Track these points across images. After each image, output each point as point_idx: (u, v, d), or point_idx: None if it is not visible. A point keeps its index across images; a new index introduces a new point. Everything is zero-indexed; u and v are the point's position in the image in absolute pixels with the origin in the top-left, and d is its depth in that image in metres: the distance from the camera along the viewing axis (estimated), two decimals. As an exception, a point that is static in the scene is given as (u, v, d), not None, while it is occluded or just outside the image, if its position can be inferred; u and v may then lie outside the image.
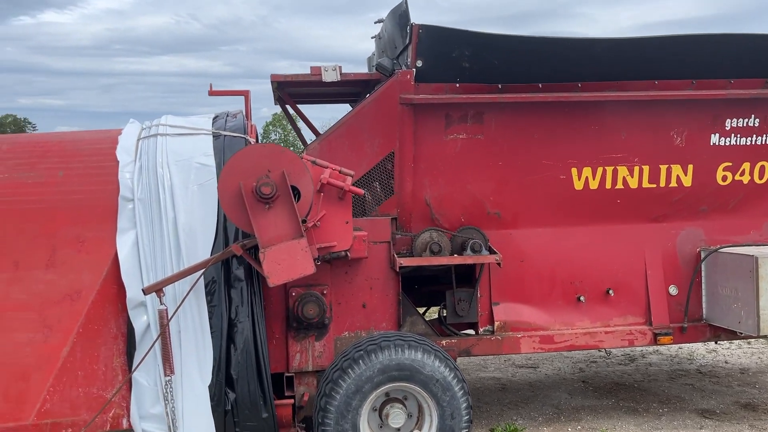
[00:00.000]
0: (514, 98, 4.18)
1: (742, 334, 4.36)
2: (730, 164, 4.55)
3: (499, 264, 4.21)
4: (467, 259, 4.18)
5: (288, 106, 5.19)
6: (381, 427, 3.92)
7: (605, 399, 5.52)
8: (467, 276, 4.52)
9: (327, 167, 3.84)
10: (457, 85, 4.19)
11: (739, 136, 4.52)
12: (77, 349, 3.60)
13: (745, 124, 4.51)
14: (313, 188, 3.07)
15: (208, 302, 3.73)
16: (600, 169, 4.44)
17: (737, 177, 4.59)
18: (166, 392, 3.60)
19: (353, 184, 4.12)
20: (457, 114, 4.23)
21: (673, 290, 4.61)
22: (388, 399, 3.92)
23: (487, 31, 4.09)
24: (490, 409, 5.36)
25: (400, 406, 3.87)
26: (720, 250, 4.49)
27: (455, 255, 4.24)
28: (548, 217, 4.50)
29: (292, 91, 5.01)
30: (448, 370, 3.83)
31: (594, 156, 4.42)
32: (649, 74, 4.34)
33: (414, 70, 4.12)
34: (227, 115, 4.47)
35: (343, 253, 3.92)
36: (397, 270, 4.12)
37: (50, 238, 3.74)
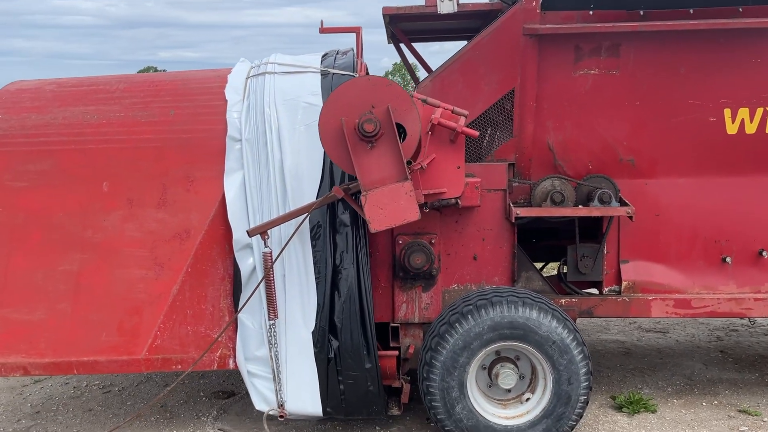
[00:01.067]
0: (660, 26, 3.61)
1: None
2: None
3: (631, 217, 3.73)
4: (594, 210, 3.74)
5: (403, 45, 4.88)
6: (490, 386, 3.67)
7: (747, 373, 4.92)
8: (592, 230, 4.09)
9: (439, 106, 3.53)
10: (591, 12, 3.67)
11: None
12: (186, 288, 3.63)
13: None
14: (420, 127, 2.78)
15: (313, 247, 3.61)
16: (760, 111, 3.78)
17: None
18: (270, 336, 3.55)
19: (468, 126, 3.80)
20: (589, 46, 3.73)
21: (843, 255, 3.91)
22: (499, 358, 3.66)
23: (629, -53, 3.52)
24: (612, 374, 4.94)
25: (512, 366, 3.60)
26: None
27: (580, 206, 3.80)
28: (692, 166, 3.92)
29: (405, 27, 4.69)
30: (566, 331, 3.48)
31: (753, 94, 3.76)
32: (833, -6, 3.58)
33: (540, -5, 3.65)
34: (337, 53, 4.26)
35: (453, 200, 3.63)
36: (513, 221, 3.77)
37: (161, 177, 3.75)
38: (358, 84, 2.90)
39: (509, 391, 3.66)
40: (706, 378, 4.83)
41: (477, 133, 3.55)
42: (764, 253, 3.93)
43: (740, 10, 3.62)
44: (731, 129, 3.82)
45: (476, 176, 3.82)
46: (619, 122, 3.85)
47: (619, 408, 4.27)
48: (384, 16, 4.28)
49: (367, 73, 4.40)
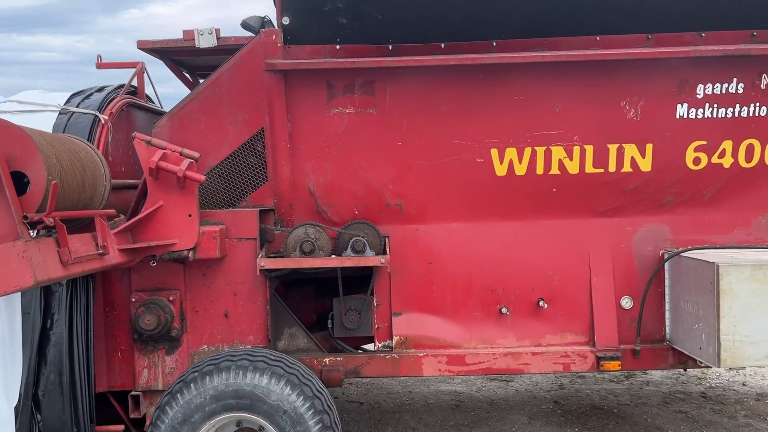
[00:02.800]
0: (407, 62, 3.35)
1: (702, 363, 3.38)
2: (705, 143, 3.53)
3: (386, 268, 3.41)
4: (345, 261, 3.41)
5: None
6: (230, 462, 3.24)
7: (568, 427, 4.61)
8: (367, 280, 3.75)
9: (165, 148, 3.18)
10: (338, 47, 3.40)
11: (716, 106, 3.49)
12: None
13: (723, 91, 3.47)
14: (46, 175, 2.42)
15: (22, 308, 3.17)
16: (528, 150, 3.54)
17: (715, 159, 3.56)
18: (-42, 414, 3.06)
19: (215, 168, 3.47)
20: (342, 83, 3.45)
21: (626, 303, 3.66)
22: (241, 429, 3.24)
23: (364, -23, 3.27)
24: (425, 434, 4.57)
25: (249, 439, 3.18)
26: (683, 254, 3.49)
27: (333, 256, 3.47)
28: (463, 210, 3.65)
29: (188, 62, 4.36)
30: (301, 399, 3.10)
31: (520, 134, 3.52)
32: (588, 28, 3.39)
33: (280, 28, 3.37)
34: (94, 90, 3.90)
35: (186, 252, 3.26)
36: (258, 272, 3.40)
37: None
38: (-34, 126, 2.52)
39: (251, 467, 3.23)
40: (522, 435, 4.50)
41: (203, 178, 3.20)
42: (543, 303, 3.65)
43: (494, 44, 3.40)
44: (500, 170, 3.56)
45: (224, 224, 3.47)
46: (382, 164, 3.56)
47: (404, 476, 3.89)
48: (141, 49, 3.93)
49: (147, 108, 4.06)
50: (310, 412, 3.10)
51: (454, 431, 4.60)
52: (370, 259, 3.40)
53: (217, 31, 3.75)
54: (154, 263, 3.28)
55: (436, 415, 4.94)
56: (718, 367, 3.12)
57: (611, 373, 5.84)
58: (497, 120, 3.50)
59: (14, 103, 3.68)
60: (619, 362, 3.56)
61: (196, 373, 3.13)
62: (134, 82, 4.20)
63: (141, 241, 3.21)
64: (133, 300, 3.41)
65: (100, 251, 2.76)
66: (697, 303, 3.29)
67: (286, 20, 3.34)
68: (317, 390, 3.19)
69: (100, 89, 3.96)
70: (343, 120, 3.49)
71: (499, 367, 3.61)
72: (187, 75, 4.50)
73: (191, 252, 3.28)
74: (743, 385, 5.49)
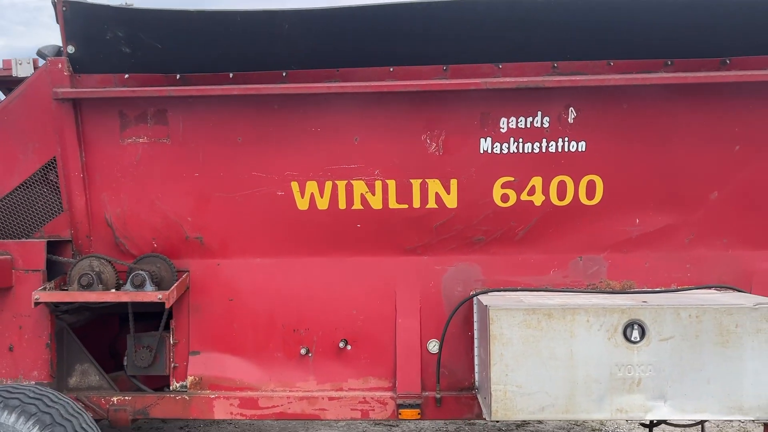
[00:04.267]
0: (190, 91, 3.27)
1: (484, 415, 3.14)
2: (512, 179, 3.36)
3: (163, 304, 3.28)
4: (122, 296, 3.29)
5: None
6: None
7: (420, 477, 4.35)
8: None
9: (-64, 177, 3.13)
10: (126, 76, 3.34)
11: (521, 140, 3.33)
12: None
13: (528, 125, 3.31)
14: None
15: None
16: (329, 184, 3.40)
17: (524, 197, 3.37)
18: None
19: (2, 199, 3.41)
20: (134, 112, 3.38)
21: (433, 347, 3.45)
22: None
23: (139, 6, 3.22)
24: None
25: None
26: (479, 296, 3.28)
27: (112, 290, 3.34)
28: (266, 245, 3.51)
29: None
30: (49, 440, 2.95)
31: (320, 167, 3.39)
32: (382, 59, 3.28)
33: (66, 57, 3.32)
34: None
35: (-46, 283, 3.18)
36: (33, 305, 3.29)
37: None
38: None
39: None
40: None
41: (-35, 207, 3.13)
42: (346, 345, 3.46)
43: (284, 74, 3.30)
44: (302, 204, 3.43)
45: (11, 254, 3.38)
46: (179, 195, 3.46)
47: None
48: (-35, 79, 3.92)
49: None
50: (59, 455, 2.94)
51: (298, 478, 4.38)
52: (147, 295, 3.27)
53: (35, 60, 3.73)
54: None
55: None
56: (490, 419, 2.89)
57: (501, 421, 5.55)
58: (296, 152, 3.39)
59: None
60: (418, 410, 3.34)
61: (-56, 411, 3.00)
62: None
63: None
64: None
65: None
66: (484, 349, 3.08)
67: (71, 49, 3.30)
68: (77, 430, 3.03)
69: None
70: (137, 150, 3.41)
71: (294, 412, 3.41)
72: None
73: (-39, 283, 3.19)
74: (638, 438, 5.16)
